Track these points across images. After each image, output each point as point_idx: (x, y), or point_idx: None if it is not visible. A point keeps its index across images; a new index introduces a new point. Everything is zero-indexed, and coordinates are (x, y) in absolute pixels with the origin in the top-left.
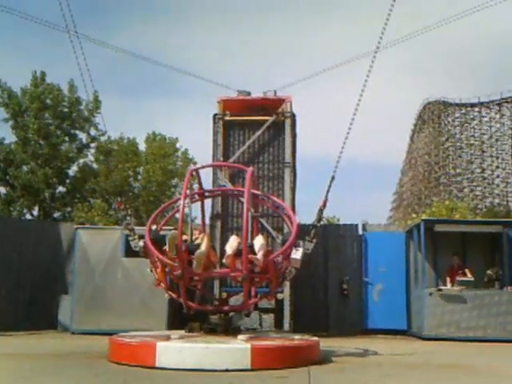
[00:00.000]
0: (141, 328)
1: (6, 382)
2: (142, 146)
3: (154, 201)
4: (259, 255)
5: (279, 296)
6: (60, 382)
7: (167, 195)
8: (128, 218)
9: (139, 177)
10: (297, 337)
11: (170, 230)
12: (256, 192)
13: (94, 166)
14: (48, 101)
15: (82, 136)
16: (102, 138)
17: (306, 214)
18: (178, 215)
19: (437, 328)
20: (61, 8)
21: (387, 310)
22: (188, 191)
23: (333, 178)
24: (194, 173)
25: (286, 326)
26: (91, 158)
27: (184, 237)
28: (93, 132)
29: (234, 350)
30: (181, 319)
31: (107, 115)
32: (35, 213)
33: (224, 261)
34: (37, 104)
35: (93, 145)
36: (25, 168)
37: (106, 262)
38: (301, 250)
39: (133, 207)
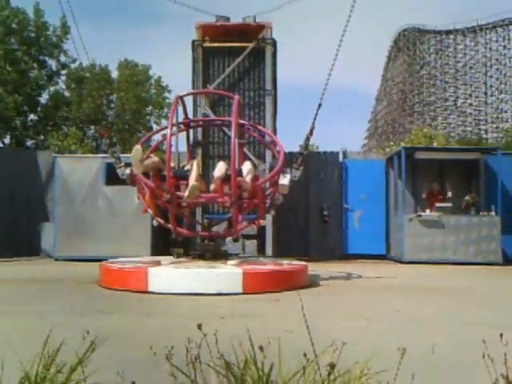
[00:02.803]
0: (124, 254)
1: (1, 306)
2: (115, 74)
3: (128, 129)
4: (247, 179)
5: (262, 222)
6: (54, 306)
7: (141, 123)
8: (114, 145)
9: (112, 105)
10: (285, 261)
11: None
12: (242, 122)
13: (66, 93)
14: (14, 25)
15: (52, 63)
16: (73, 65)
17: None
18: (164, 145)
19: (415, 252)
20: None
21: (367, 235)
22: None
23: (319, 105)
24: (180, 100)
25: (269, 251)
26: (62, 85)
27: (171, 164)
28: (63, 59)
29: (227, 275)
30: (163, 245)
31: (77, 42)
32: (7, 141)
33: (212, 187)
34: (2, 28)
35: (63, 72)
36: None
37: (87, 190)
38: (288, 176)
39: (117, 135)
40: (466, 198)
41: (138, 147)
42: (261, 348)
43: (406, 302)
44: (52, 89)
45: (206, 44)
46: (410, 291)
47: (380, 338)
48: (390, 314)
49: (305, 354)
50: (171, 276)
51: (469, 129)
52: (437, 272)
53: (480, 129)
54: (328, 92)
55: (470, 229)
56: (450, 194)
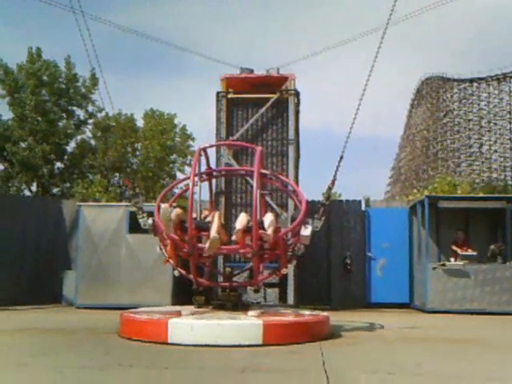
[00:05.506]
0: (145, 303)
1: (20, 358)
2: (140, 123)
3: (152, 177)
4: (269, 231)
5: (283, 271)
6: (73, 359)
7: (166, 171)
8: (136, 195)
9: (137, 153)
10: (307, 312)
11: (176, 207)
12: (264, 171)
13: (92, 142)
14: (45, 77)
15: (80, 112)
16: (100, 115)
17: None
18: (187, 194)
19: (439, 301)
20: None
21: (390, 284)
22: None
23: (341, 157)
24: (202, 152)
25: (290, 300)
26: (89, 134)
27: (193, 215)
28: (90, 108)
29: (246, 326)
30: (185, 294)
31: (104, 92)
32: (33, 189)
33: (233, 237)
34: (33, 80)
35: (90, 121)
36: (22, 144)
37: (109, 238)
38: (310, 227)
39: (141, 183)
40: (492, 247)
41: (166, 207)
42: None
43: (428, 355)
44: (79, 138)
45: (231, 95)
46: (432, 343)
47: None
48: (412, 368)
49: None
50: (191, 327)
51: (494, 175)
52: (460, 322)
53: (506, 175)
54: (350, 141)
55: (496, 278)
56: (470, 252)
